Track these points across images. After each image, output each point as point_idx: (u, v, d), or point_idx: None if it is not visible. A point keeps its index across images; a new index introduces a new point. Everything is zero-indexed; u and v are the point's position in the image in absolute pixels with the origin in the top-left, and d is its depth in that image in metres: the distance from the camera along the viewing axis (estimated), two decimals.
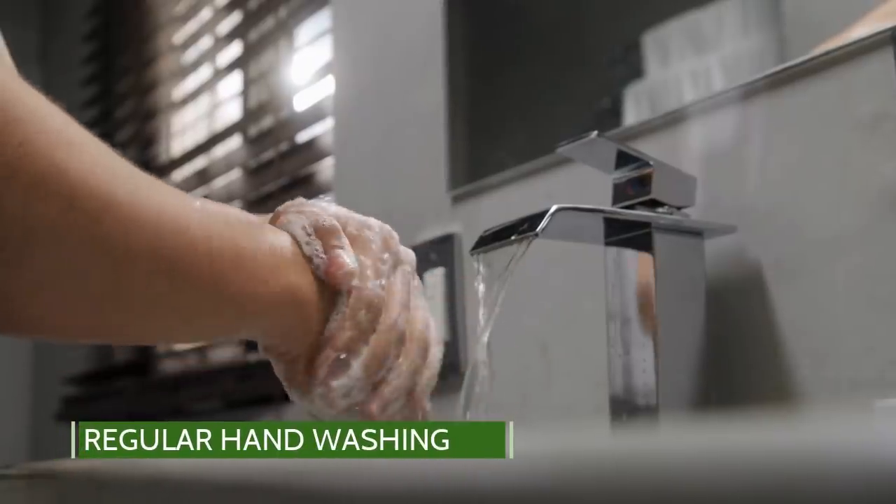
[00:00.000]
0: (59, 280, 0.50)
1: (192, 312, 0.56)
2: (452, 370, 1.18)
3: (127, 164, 0.53)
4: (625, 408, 0.82)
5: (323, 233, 0.62)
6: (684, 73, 0.96)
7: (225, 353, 1.93)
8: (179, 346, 2.09)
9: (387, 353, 0.62)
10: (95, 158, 0.51)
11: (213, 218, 0.57)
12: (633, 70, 1.01)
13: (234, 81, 2.06)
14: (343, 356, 0.60)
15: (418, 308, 0.66)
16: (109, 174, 0.51)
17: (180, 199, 0.56)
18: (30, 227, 0.47)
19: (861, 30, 0.80)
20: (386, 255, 0.65)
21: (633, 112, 1.00)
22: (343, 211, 0.65)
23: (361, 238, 0.64)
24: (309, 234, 0.61)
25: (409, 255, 0.69)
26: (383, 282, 0.63)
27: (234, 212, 0.59)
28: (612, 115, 1.03)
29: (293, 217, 0.62)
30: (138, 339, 0.62)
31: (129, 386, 2.19)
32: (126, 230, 0.51)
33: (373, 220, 0.67)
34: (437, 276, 1.22)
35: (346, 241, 0.63)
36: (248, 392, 1.76)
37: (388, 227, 0.67)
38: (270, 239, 0.59)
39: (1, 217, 0.46)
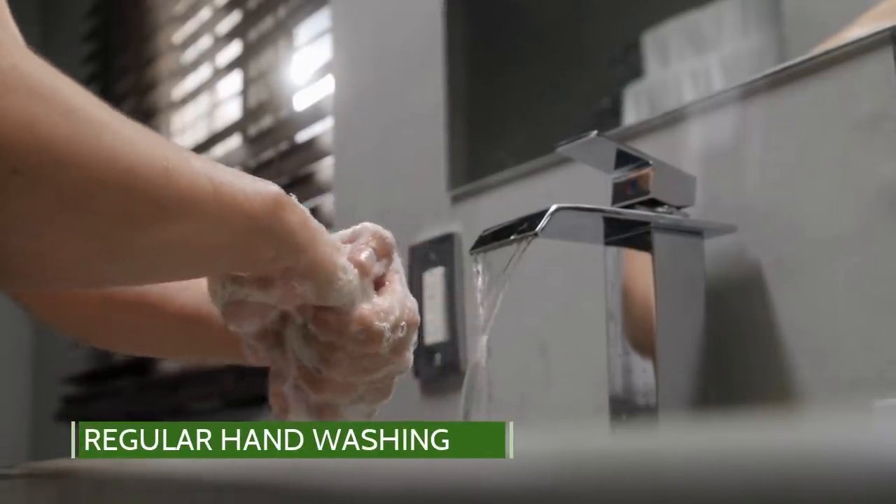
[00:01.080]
0: (68, 204, 0.50)
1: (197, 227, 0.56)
2: (452, 370, 1.18)
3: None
4: (624, 407, 0.82)
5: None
6: (684, 72, 0.96)
7: None
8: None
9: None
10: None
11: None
12: (633, 70, 1.01)
13: (234, 81, 2.06)
14: None
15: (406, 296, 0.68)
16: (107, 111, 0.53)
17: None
18: (43, 146, 0.48)
19: (859, 29, 0.80)
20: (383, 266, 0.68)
21: (633, 112, 1.00)
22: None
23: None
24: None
25: (391, 240, 0.70)
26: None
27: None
28: (612, 114, 1.03)
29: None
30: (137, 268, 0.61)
31: (128, 385, 2.19)
32: (130, 143, 0.52)
33: (362, 227, 0.68)
34: (436, 275, 1.22)
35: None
36: (247, 391, 1.76)
37: (372, 227, 0.69)
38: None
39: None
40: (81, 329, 0.81)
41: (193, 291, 0.74)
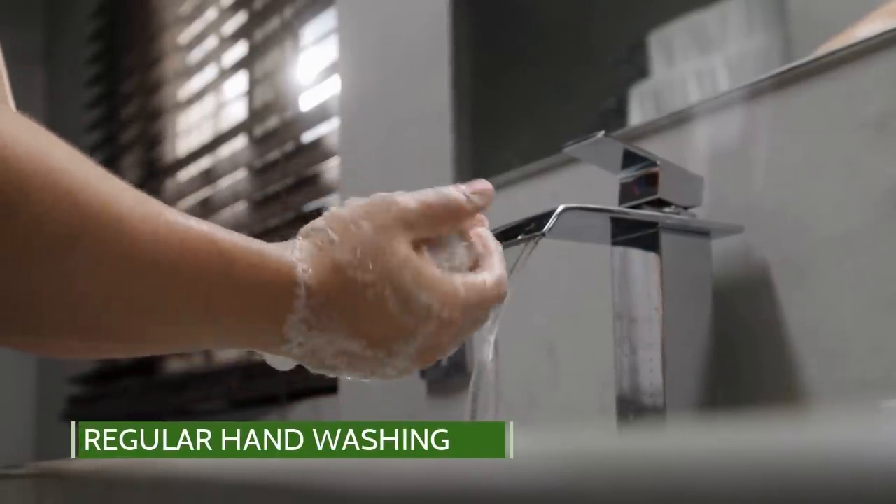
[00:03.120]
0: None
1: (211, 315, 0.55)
2: (459, 370, 1.18)
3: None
4: (632, 408, 0.82)
5: None
6: (689, 72, 0.96)
7: (230, 354, 1.94)
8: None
9: None
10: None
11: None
12: (639, 70, 1.01)
13: (240, 81, 2.06)
14: None
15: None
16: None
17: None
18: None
19: (865, 27, 0.80)
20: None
21: (639, 112, 1.00)
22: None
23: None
24: None
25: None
26: None
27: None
28: (618, 114, 1.02)
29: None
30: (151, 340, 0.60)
31: (133, 386, 2.19)
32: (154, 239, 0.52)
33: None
34: None
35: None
36: (252, 392, 1.77)
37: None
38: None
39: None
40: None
41: None
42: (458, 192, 0.66)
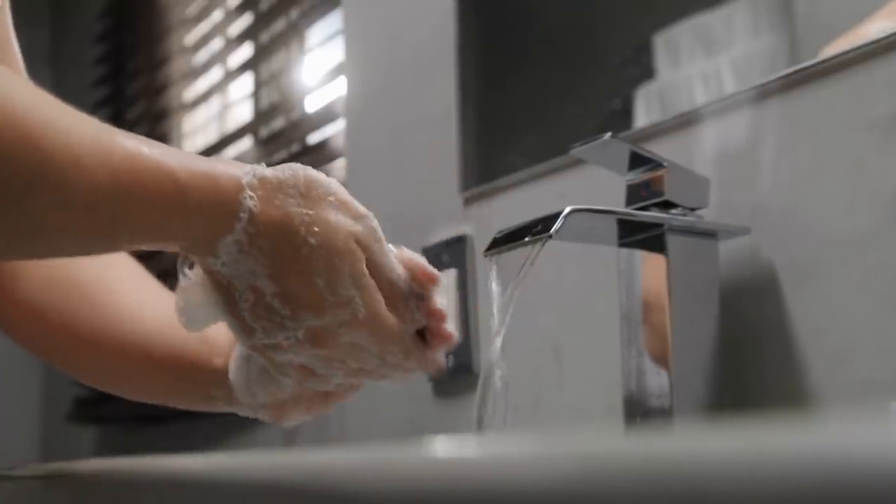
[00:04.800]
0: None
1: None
2: (465, 371, 1.18)
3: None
4: (639, 410, 0.82)
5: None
6: (695, 74, 0.96)
7: None
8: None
9: None
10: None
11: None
12: (644, 71, 1.01)
13: (246, 83, 2.06)
14: None
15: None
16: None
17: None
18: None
19: (872, 27, 0.80)
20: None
21: (644, 113, 1.00)
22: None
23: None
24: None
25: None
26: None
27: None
28: (623, 116, 1.02)
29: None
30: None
31: None
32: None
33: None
34: (448, 277, 1.22)
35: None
36: None
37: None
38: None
39: None
40: (74, 369, 0.83)
41: (180, 337, 0.74)
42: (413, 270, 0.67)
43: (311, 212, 0.60)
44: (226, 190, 0.59)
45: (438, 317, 0.67)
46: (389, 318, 0.64)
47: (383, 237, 0.64)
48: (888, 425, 0.18)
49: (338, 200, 0.62)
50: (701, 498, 0.18)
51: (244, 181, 0.60)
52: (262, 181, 0.60)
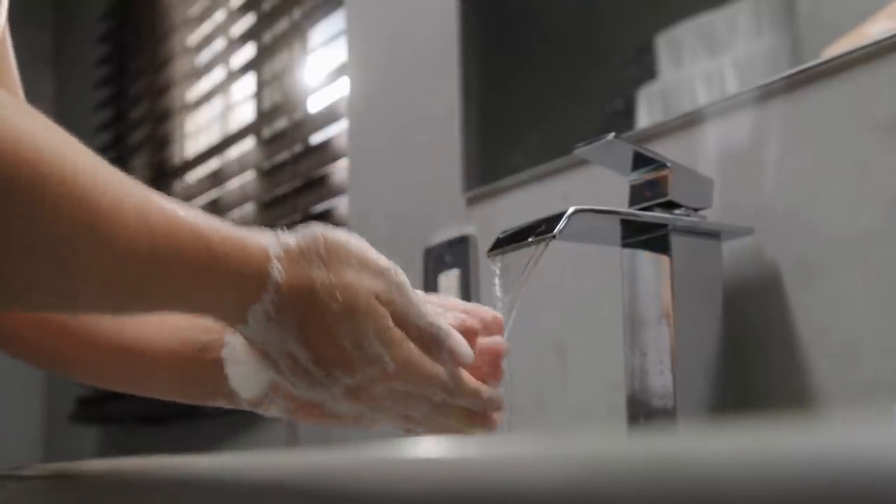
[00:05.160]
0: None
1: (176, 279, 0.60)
2: None
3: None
4: (642, 410, 0.82)
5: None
6: (697, 74, 0.96)
7: None
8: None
9: None
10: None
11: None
12: (646, 71, 1.01)
13: (248, 83, 2.06)
14: None
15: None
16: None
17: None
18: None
19: (873, 27, 0.80)
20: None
21: (646, 113, 1.00)
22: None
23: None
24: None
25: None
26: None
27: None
28: (625, 116, 1.02)
29: None
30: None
31: None
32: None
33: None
34: (451, 277, 1.22)
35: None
36: None
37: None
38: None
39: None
40: (74, 372, 0.83)
41: (179, 336, 0.76)
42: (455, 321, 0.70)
43: (332, 276, 0.62)
44: (255, 259, 0.61)
45: (492, 354, 0.70)
46: (424, 362, 0.65)
47: (407, 285, 0.66)
48: (892, 426, 0.17)
49: (358, 261, 0.64)
50: (705, 499, 0.18)
51: (272, 252, 0.62)
52: (288, 251, 0.62)
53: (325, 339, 0.62)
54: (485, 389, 0.69)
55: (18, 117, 0.54)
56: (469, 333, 0.69)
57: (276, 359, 0.64)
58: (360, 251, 0.65)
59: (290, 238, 0.63)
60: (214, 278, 0.60)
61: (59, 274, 0.56)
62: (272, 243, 0.62)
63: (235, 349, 0.69)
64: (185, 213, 0.60)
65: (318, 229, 0.64)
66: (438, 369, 0.66)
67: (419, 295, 0.68)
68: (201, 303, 0.62)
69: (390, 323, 0.64)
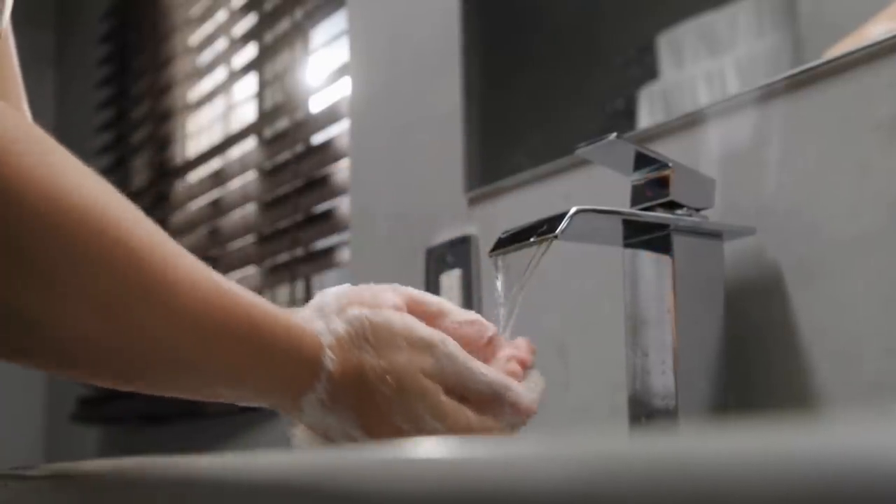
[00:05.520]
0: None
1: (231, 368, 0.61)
2: None
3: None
4: (643, 410, 0.82)
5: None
6: (699, 74, 0.96)
7: None
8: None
9: None
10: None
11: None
12: (648, 71, 1.01)
13: (250, 83, 2.06)
14: None
15: None
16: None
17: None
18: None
19: (875, 28, 0.80)
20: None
21: (647, 114, 1.00)
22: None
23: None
24: None
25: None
26: None
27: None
28: (626, 116, 1.02)
29: None
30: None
31: None
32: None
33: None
34: (453, 277, 1.22)
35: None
36: None
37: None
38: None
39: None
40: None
41: None
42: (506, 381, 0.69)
43: (382, 360, 0.63)
44: (307, 347, 0.62)
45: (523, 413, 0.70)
46: (484, 423, 0.66)
47: (457, 353, 0.66)
48: (893, 427, 0.17)
49: (405, 340, 0.64)
50: (707, 500, 0.18)
51: (325, 342, 0.63)
52: (339, 339, 0.63)
53: (381, 420, 0.63)
54: (535, 410, 0.70)
55: (69, 171, 0.53)
56: (523, 366, 0.71)
57: (336, 439, 0.65)
58: (405, 330, 0.65)
59: (339, 325, 0.64)
60: (267, 363, 0.61)
61: (114, 335, 0.56)
62: (323, 331, 0.63)
63: (296, 434, 0.69)
64: (236, 289, 0.60)
65: (362, 313, 0.65)
66: (498, 424, 0.68)
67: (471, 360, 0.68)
68: (256, 388, 0.63)
69: (442, 397, 0.64)
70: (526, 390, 0.69)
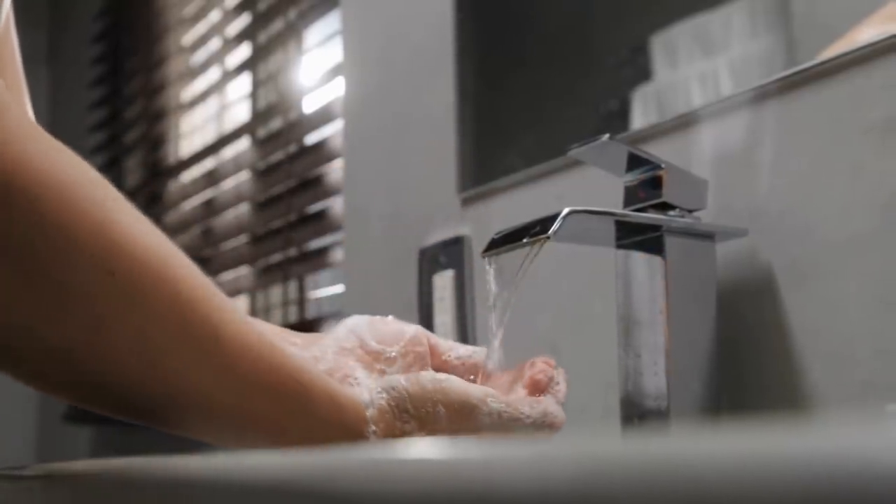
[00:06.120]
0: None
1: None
2: None
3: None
4: (636, 411, 0.82)
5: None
6: (692, 75, 0.96)
7: None
8: None
9: None
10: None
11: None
12: (641, 72, 1.01)
13: (243, 83, 2.06)
14: None
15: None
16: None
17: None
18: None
19: (868, 30, 0.80)
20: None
21: (641, 114, 1.00)
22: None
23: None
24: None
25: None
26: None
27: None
28: (620, 117, 1.03)
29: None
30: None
31: None
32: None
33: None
34: (446, 278, 1.22)
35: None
36: None
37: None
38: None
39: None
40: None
41: None
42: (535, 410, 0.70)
43: (424, 431, 0.63)
44: (351, 418, 0.62)
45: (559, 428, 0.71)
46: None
47: (499, 408, 0.66)
48: (886, 427, 0.18)
49: (446, 407, 0.64)
50: (699, 501, 0.18)
51: (367, 414, 0.63)
52: (381, 411, 0.63)
53: None
54: (564, 420, 0.72)
55: (123, 216, 0.53)
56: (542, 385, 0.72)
57: None
58: (445, 396, 0.65)
59: (382, 398, 0.64)
60: (309, 426, 0.60)
61: (157, 383, 0.55)
62: (366, 402, 0.63)
63: None
64: (282, 348, 0.60)
65: (400, 386, 0.64)
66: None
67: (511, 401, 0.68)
68: (293, 446, 0.62)
69: None
70: (556, 406, 0.70)
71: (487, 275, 0.77)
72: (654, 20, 1.01)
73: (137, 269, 0.52)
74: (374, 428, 0.62)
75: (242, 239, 1.95)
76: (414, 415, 0.63)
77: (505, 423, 0.65)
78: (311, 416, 0.60)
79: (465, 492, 0.24)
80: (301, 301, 1.83)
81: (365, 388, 0.64)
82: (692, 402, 0.80)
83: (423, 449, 0.28)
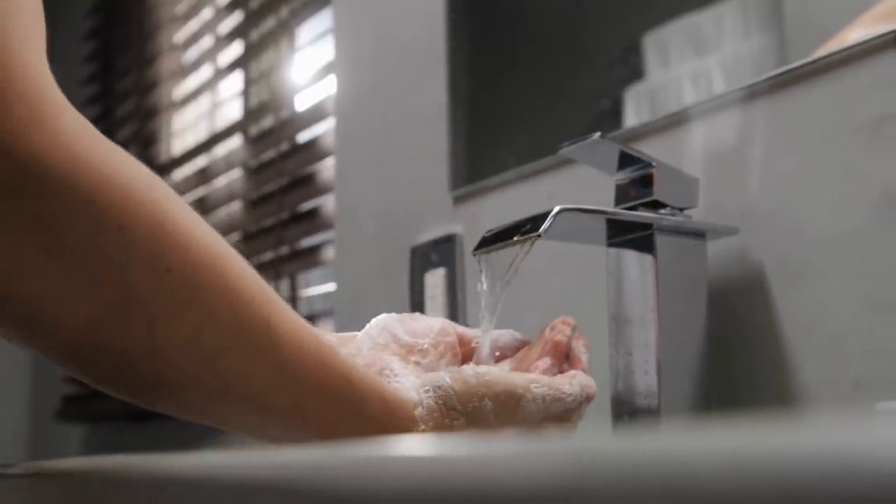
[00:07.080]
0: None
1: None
2: None
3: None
4: (626, 409, 0.82)
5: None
6: (685, 74, 0.96)
7: None
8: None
9: None
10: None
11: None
12: (633, 71, 1.01)
13: (235, 81, 2.06)
14: None
15: None
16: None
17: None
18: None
19: (859, 30, 0.80)
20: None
21: (633, 113, 1.00)
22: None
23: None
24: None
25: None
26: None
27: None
28: (612, 116, 1.03)
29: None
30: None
31: None
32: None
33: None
34: (437, 276, 1.22)
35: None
36: None
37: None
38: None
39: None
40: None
41: None
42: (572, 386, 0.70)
43: (472, 426, 0.64)
44: (401, 418, 0.63)
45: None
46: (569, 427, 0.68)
47: (542, 392, 0.67)
48: (875, 426, 0.18)
49: (492, 400, 0.65)
50: (689, 498, 0.18)
51: (416, 413, 0.63)
52: (430, 410, 0.64)
53: None
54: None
55: (180, 216, 0.53)
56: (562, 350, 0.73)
57: None
58: (490, 389, 0.65)
59: (430, 397, 0.64)
60: (360, 425, 0.61)
61: (211, 379, 0.56)
62: (415, 400, 0.64)
63: None
64: (334, 346, 0.60)
65: (445, 384, 0.65)
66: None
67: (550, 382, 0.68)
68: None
69: None
70: (588, 378, 0.71)
71: (479, 273, 0.77)
72: (647, 19, 1.01)
73: (193, 266, 0.52)
74: (423, 427, 0.63)
75: (234, 237, 1.94)
76: (461, 411, 0.64)
77: (548, 406, 0.66)
78: (362, 414, 0.60)
79: (456, 489, 0.24)
80: (293, 299, 1.82)
81: (411, 387, 0.65)
82: (683, 401, 0.80)
83: (409, 446, 0.28)
